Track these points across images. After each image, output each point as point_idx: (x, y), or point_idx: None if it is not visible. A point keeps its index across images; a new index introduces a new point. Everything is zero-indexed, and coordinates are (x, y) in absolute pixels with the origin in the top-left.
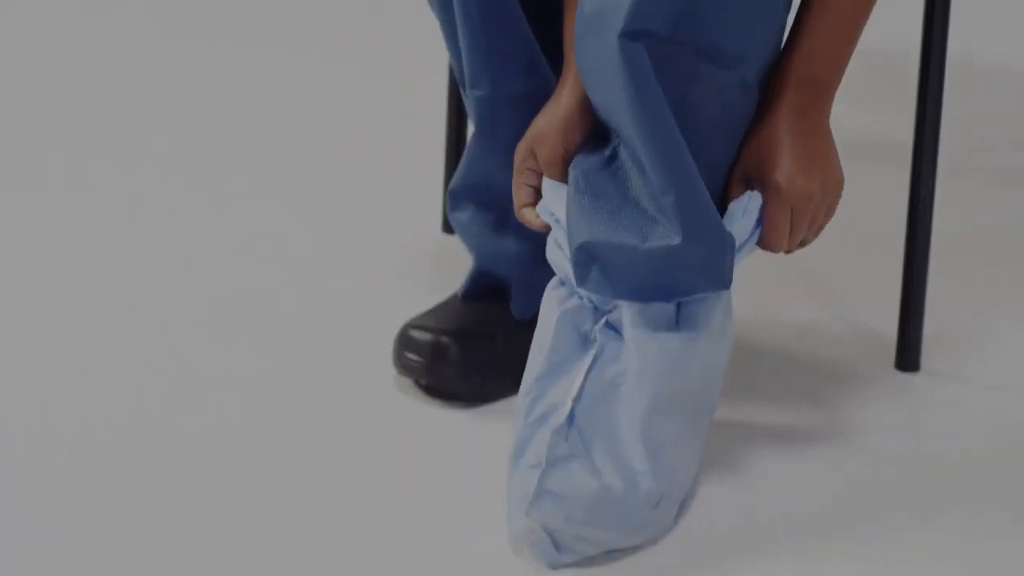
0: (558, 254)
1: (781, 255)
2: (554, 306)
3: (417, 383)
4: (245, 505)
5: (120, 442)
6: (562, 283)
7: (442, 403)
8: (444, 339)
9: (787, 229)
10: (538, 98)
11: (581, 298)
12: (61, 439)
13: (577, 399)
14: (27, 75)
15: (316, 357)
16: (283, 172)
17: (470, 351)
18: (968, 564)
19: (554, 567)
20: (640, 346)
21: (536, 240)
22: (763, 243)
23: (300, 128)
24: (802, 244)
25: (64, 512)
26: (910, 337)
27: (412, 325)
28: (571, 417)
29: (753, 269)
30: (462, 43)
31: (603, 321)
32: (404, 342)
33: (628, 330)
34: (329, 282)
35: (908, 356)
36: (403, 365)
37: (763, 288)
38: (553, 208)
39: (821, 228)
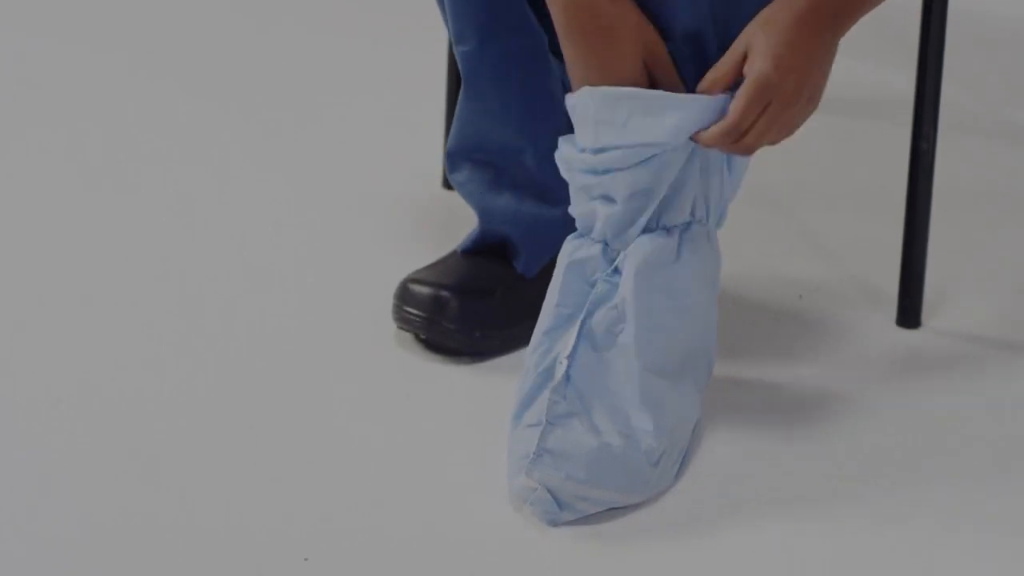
0: (580, 200)
1: (777, 209)
2: (564, 258)
3: (417, 337)
4: (246, 460)
5: (130, 388)
6: (579, 236)
7: (442, 358)
8: (444, 293)
9: (740, 113)
10: (524, 53)
11: (595, 243)
12: (83, 396)
13: (572, 356)
14: (25, 48)
15: (318, 313)
16: (284, 130)
17: (469, 305)
18: (967, 519)
19: (554, 525)
20: (639, 297)
21: (534, 196)
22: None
23: (300, 85)
24: (769, 140)
25: (79, 484)
26: (911, 294)
27: (411, 279)
28: (568, 375)
29: (753, 225)
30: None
31: (611, 268)
32: (403, 296)
33: (629, 282)
34: (329, 238)
35: (909, 313)
36: (402, 319)
37: (763, 244)
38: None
39: (790, 131)
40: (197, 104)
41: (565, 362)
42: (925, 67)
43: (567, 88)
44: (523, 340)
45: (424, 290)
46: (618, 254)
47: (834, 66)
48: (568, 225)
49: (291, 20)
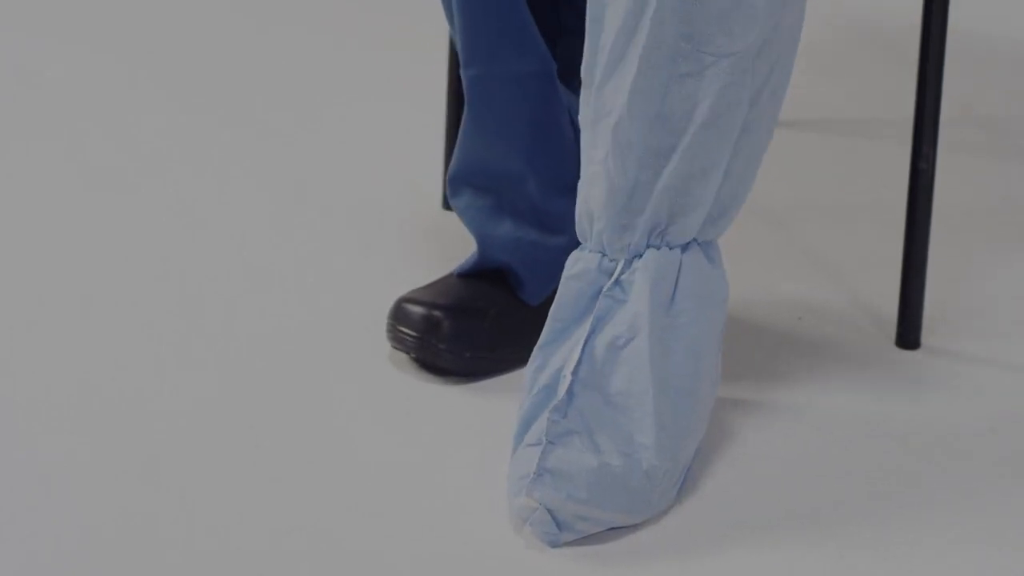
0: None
1: (777, 230)
2: (564, 274)
3: (411, 357)
4: (238, 482)
5: (128, 391)
6: (579, 249)
7: (435, 378)
8: (436, 313)
9: None
10: (532, 79)
11: (593, 253)
12: (72, 414)
13: (575, 371)
14: (25, 52)
15: (313, 332)
16: (283, 148)
17: (461, 326)
18: (969, 539)
19: (554, 545)
20: (654, 313)
21: (535, 225)
22: None
23: (299, 104)
24: None
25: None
26: (910, 314)
27: (405, 299)
28: (571, 392)
29: (753, 245)
30: (456, 20)
31: (612, 280)
32: (397, 316)
33: (645, 296)
34: (328, 258)
35: (908, 333)
36: (396, 339)
37: (763, 266)
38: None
39: None
40: (197, 108)
41: (569, 377)
42: (924, 86)
43: (574, 117)
44: (516, 362)
45: (417, 310)
46: (616, 264)
47: (834, 86)
48: (569, 254)
49: (293, 26)
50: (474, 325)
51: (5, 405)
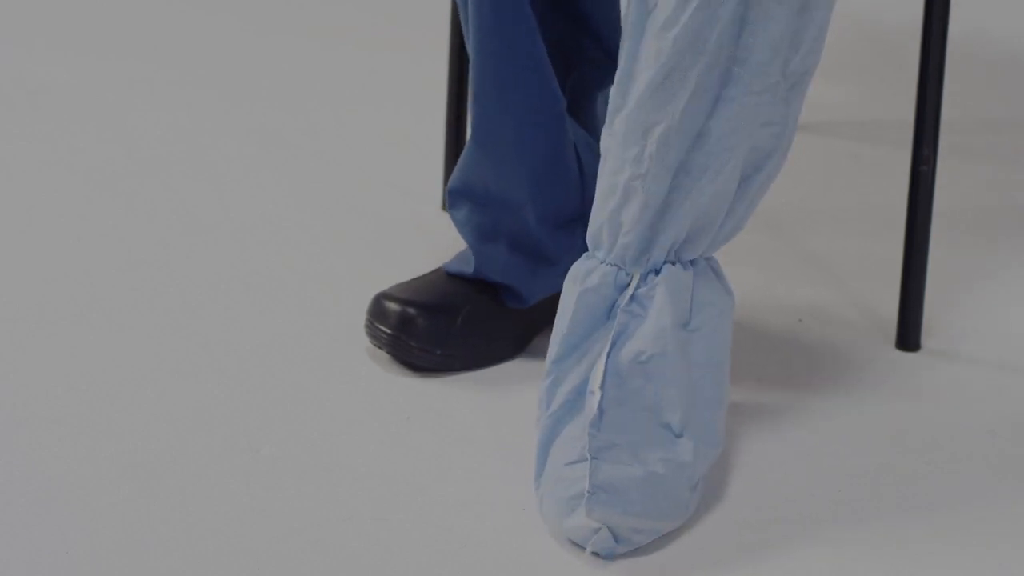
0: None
1: (777, 233)
2: (575, 285)
3: (386, 352)
4: (237, 484)
5: (125, 402)
6: (588, 257)
7: (433, 379)
8: (410, 311)
9: None
10: (542, 116)
11: (608, 266)
12: (61, 420)
13: (603, 387)
14: (27, 56)
15: (312, 334)
16: (284, 149)
17: (433, 324)
18: (969, 541)
19: (611, 559)
20: (676, 326)
21: (528, 253)
22: None
23: (299, 105)
24: None
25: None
26: (911, 316)
27: (384, 295)
28: (601, 408)
29: (753, 248)
30: (472, 56)
31: (628, 296)
32: (374, 312)
33: (667, 315)
34: (327, 259)
35: (909, 335)
36: (372, 335)
37: (763, 268)
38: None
39: None
40: (196, 110)
41: (598, 393)
42: (925, 89)
43: (580, 151)
44: (489, 359)
45: (393, 307)
46: (630, 279)
47: (835, 89)
48: (563, 278)
49: (292, 27)
50: (446, 323)
51: (2, 416)
